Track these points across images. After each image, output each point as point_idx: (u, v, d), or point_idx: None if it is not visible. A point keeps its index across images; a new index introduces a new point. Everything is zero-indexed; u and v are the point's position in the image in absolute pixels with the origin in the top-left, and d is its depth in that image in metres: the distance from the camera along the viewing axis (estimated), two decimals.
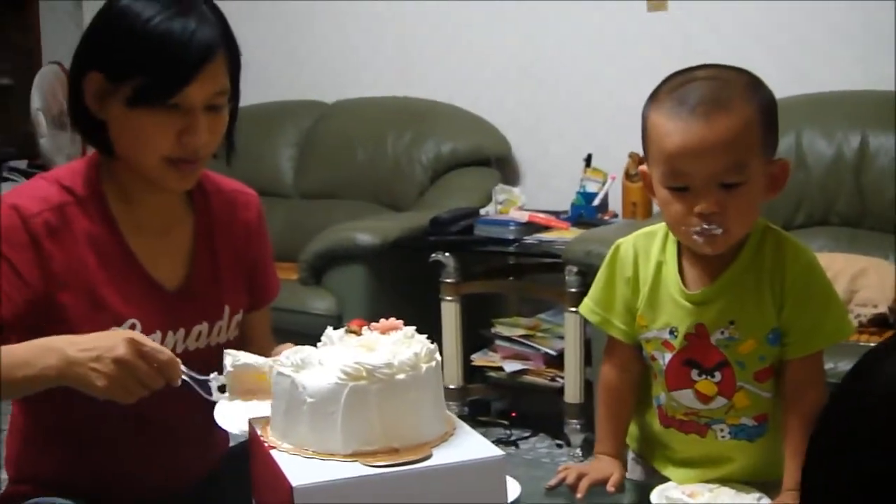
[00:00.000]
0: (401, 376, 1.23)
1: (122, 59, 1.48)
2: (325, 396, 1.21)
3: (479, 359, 3.55)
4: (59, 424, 1.59)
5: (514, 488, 1.44)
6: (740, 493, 1.52)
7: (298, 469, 1.18)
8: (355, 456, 1.20)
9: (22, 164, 5.00)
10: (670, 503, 1.50)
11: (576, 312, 3.02)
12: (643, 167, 1.55)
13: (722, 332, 1.53)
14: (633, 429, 1.69)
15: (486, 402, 3.69)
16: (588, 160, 3.66)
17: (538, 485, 1.58)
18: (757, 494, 1.51)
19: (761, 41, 3.49)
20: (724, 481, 1.56)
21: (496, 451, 1.24)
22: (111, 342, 1.38)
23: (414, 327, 1.34)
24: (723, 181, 1.44)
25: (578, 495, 1.56)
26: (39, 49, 5.22)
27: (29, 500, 1.55)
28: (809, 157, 3.19)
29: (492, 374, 3.54)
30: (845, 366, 2.01)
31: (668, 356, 1.57)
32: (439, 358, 1.30)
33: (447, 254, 3.38)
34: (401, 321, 1.35)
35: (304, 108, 4.43)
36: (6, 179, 4.71)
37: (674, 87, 1.48)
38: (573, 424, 3.28)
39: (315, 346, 1.32)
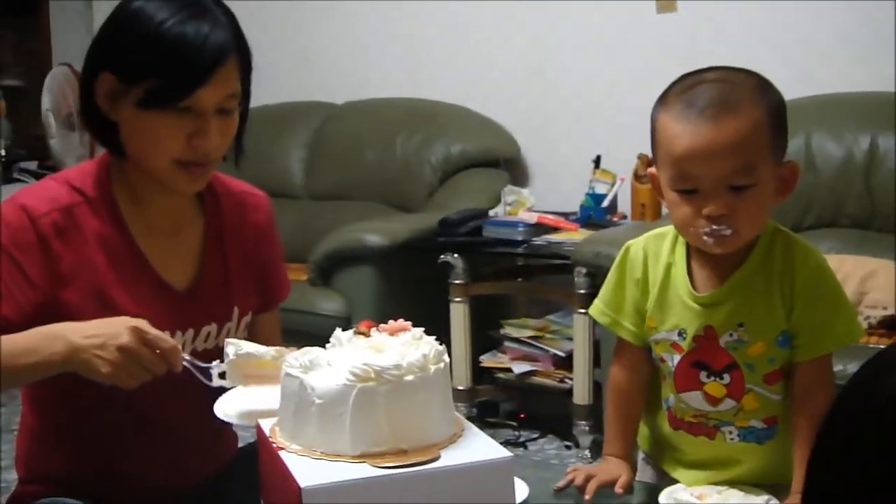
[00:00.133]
0: (409, 378, 1.23)
1: (135, 60, 1.49)
2: (333, 398, 1.21)
3: (487, 360, 3.55)
4: (68, 422, 1.60)
5: (522, 490, 1.43)
6: (749, 496, 1.52)
7: (306, 470, 1.18)
8: (363, 457, 1.20)
9: (32, 165, 5.01)
10: None
11: (585, 314, 3.02)
12: (652, 169, 1.55)
13: (731, 335, 1.52)
14: (643, 429, 1.69)
15: (494, 403, 3.68)
16: (597, 161, 3.66)
17: (547, 486, 1.58)
18: (766, 497, 1.51)
19: (769, 42, 3.47)
20: (732, 483, 1.55)
21: (504, 453, 1.24)
22: (115, 329, 1.40)
23: (422, 328, 1.34)
24: (731, 183, 1.43)
25: (587, 497, 1.56)
26: (49, 50, 5.22)
27: (39, 500, 1.56)
28: (819, 159, 3.18)
29: (500, 375, 3.54)
30: (854, 368, 1.99)
31: (677, 358, 1.56)
32: (448, 359, 1.30)
33: (456, 255, 3.39)
34: (409, 322, 1.35)
35: (314, 109, 4.43)
36: (16, 181, 4.72)
37: (683, 89, 1.48)
38: (582, 426, 3.28)
39: (324, 347, 1.32)
